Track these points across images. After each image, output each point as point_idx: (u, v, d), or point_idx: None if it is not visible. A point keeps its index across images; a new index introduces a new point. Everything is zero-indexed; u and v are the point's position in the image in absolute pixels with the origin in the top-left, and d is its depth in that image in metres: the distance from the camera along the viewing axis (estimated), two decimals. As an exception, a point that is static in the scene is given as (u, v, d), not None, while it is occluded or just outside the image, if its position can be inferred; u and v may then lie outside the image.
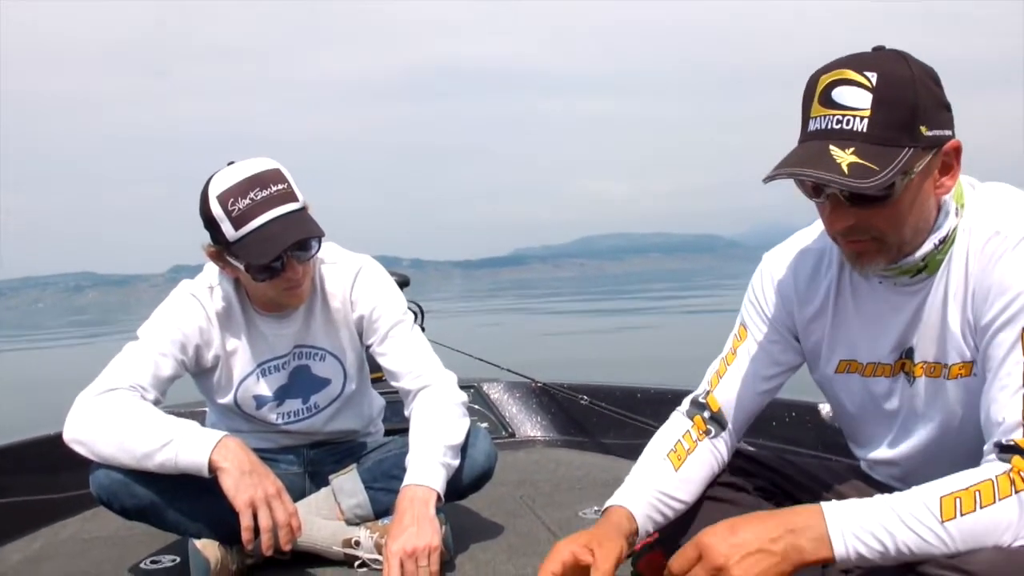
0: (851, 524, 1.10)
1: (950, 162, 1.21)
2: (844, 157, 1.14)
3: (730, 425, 1.46)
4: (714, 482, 1.46)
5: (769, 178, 1.19)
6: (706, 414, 1.45)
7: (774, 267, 1.48)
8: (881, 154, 1.13)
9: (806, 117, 1.21)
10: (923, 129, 1.15)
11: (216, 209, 1.78)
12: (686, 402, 1.50)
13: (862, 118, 1.15)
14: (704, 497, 1.44)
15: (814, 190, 1.22)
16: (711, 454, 1.45)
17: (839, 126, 1.16)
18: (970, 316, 1.24)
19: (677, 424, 1.48)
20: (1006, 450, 1.13)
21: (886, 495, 1.13)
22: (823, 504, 1.12)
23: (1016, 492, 1.09)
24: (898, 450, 1.39)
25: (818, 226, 1.47)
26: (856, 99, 1.15)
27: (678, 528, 1.40)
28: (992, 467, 1.13)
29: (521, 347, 12.67)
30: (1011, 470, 1.10)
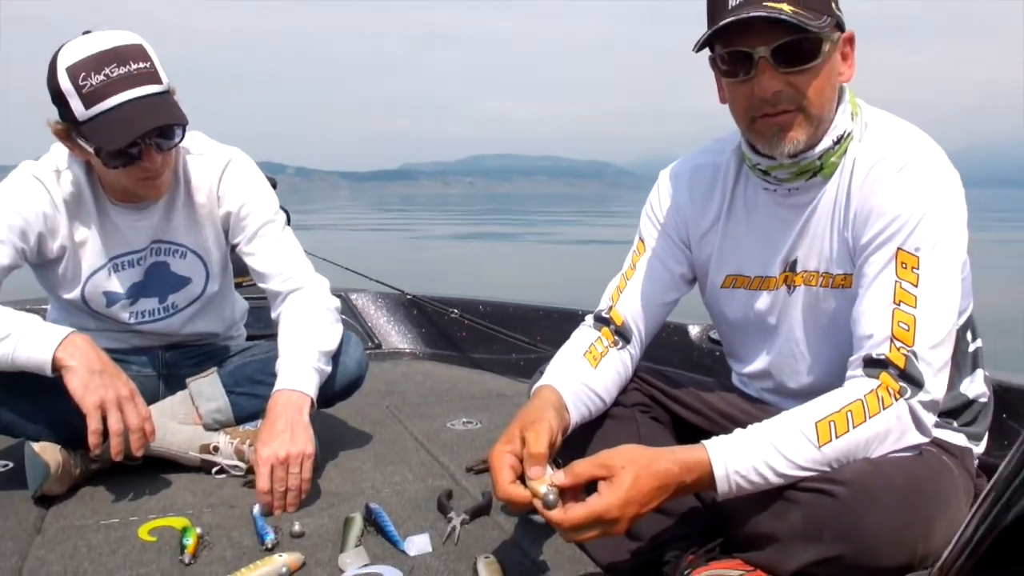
0: (734, 464, 1.14)
1: (847, 51, 1.29)
2: (782, 6, 1.18)
3: (635, 338, 1.47)
4: (616, 401, 1.46)
5: (703, 40, 1.22)
6: (611, 327, 1.46)
7: (671, 182, 1.50)
8: (811, 14, 1.20)
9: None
10: (834, 6, 1.24)
11: (65, 82, 1.60)
12: (589, 318, 1.50)
13: None
14: (606, 415, 1.44)
15: (740, 65, 1.23)
16: (621, 363, 1.45)
17: None
18: (849, 236, 1.29)
19: (586, 333, 1.48)
20: (873, 364, 1.19)
21: (764, 426, 1.17)
22: (708, 448, 1.15)
23: (884, 408, 1.16)
24: (774, 361, 1.44)
25: (713, 145, 1.47)
26: None
27: (579, 441, 1.38)
28: (860, 385, 1.19)
29: (399, 263, 12.55)
30: (879, 387, 1.17)
